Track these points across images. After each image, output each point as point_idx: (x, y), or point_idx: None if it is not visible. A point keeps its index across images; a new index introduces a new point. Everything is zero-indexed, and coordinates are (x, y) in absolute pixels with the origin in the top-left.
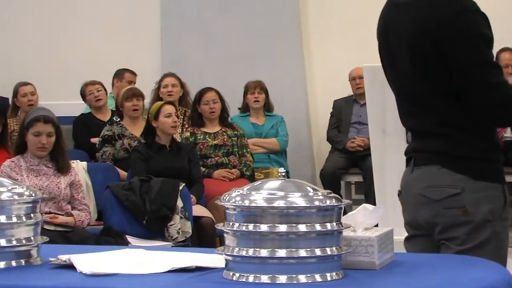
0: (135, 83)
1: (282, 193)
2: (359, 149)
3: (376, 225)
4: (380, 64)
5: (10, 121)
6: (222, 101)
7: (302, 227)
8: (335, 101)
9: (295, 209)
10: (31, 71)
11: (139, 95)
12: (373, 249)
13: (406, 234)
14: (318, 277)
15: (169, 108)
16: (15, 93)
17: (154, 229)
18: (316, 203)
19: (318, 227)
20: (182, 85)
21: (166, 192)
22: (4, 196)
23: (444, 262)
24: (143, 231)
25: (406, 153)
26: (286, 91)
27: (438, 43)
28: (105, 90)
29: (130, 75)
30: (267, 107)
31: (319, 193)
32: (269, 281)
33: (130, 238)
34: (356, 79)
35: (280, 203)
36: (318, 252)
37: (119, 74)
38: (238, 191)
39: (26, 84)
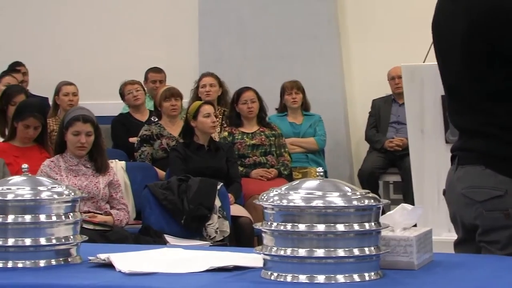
0: (162, 81)
1: (320, 193)
2: (397, 149)
3: (415, 225)
4: (418, 63)
5: (50, 120)
6: (260, 101)
7: (340, 227)
8: (373, 100)
9: (333, 208)
10: (70, 71)
11: (177, 95)
12: (412, 249)
13: (445, 234)
14: (356, 277)
15: (208, 108)
16: (57, 91)
17: (192, 228)
18: (354, 202)
19: (356, 227)
20: (221, 84)
21: (204, 192)
22: (44, 195)
23: (483, 263)
24: (181, 230)
25: (451, 151)
26: (324, 90)
27: (490, 36)
28: (144, 90)
29: (153, 75)
30: (305, 106)
31: (357, 193)
32: (307, 281)
33: (168, 237)
34: (395, 79)
35: (318, 203)
36: (356, 252)
37: (145, 76)
38: (276, 191)
39: (69, 84)
